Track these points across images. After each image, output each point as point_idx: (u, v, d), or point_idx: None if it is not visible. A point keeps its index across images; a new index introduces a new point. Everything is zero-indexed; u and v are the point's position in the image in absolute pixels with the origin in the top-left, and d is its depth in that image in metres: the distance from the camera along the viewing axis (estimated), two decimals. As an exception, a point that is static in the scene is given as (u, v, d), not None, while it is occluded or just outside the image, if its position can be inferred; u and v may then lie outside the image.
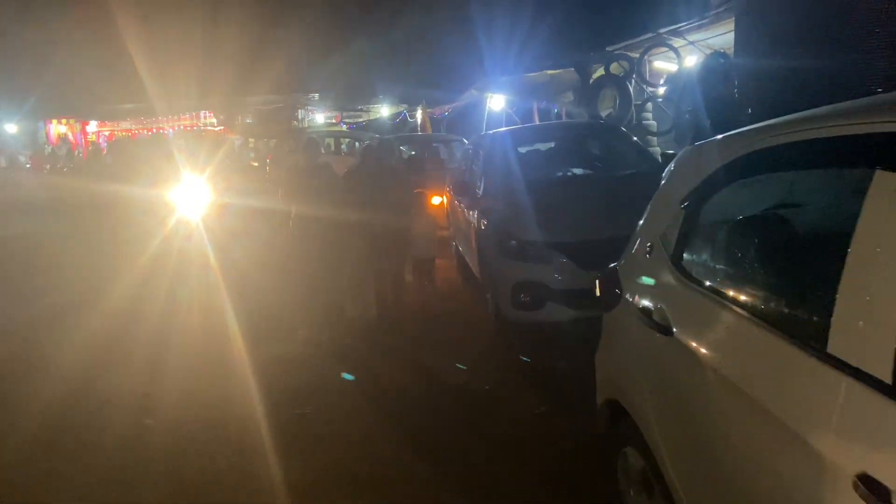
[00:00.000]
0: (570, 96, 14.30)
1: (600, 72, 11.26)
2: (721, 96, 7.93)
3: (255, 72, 20.13)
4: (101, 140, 28.95)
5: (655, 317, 2.06)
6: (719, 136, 2.04)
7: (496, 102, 14.93)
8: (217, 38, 19.78)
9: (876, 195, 1.25)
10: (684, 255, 2.06)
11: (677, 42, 10.13)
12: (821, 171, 1.66)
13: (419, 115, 21.37)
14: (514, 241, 4.87)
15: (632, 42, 10.68)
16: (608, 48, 11.04)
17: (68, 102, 23.70)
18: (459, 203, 6.52)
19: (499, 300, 5.04)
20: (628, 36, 10.71)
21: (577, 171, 5.93)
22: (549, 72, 13.60)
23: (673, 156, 6.24)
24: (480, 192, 5.83)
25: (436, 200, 7.82)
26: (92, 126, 28.23)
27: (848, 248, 1.30)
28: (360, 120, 24.41)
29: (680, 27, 9.83)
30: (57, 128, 28.54)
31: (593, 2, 12.09)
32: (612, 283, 2.51)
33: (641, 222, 2.45)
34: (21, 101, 22.61)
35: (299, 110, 24.08)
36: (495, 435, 3.59)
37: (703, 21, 9.48)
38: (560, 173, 5.90)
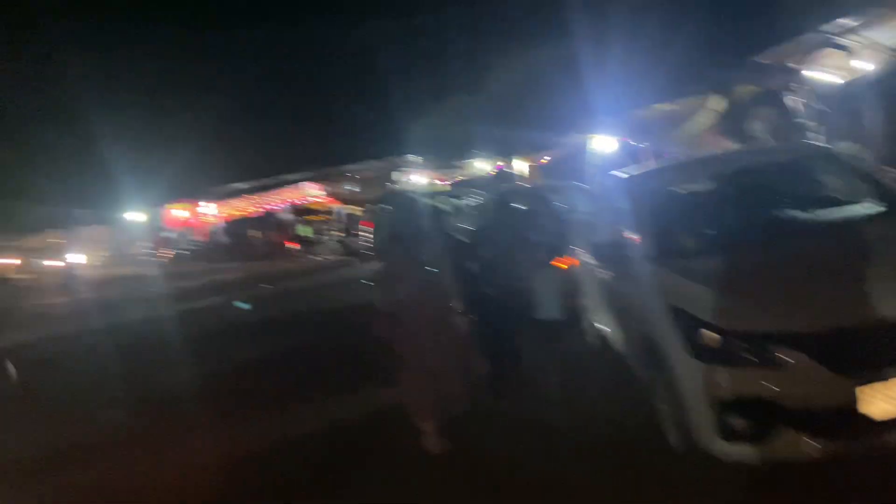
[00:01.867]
0: (697, 127, 12.29)
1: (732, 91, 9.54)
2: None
3: (352, 137, 19.93)
4: (216, 221, 29.96)
5: None
6: None
7: (601, 144, 13.25)
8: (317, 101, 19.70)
9: None
10: None
11: (849, 41, 8.02)
12: None
13: (518, 165, 20.04)
14: (710, 332, 3.12)
15: (784, 46, 8.64)
16: (754, 58, 9.05)
17: (184, 184, 24.06)
18: (604, 270, 4.78)
19: (691, 424, 3.25)
20: (777, 39, 8.64)
21: (792, 215, 3.99)
22: (661, 106, 11.76)
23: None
24: (640, 254, 4.06)
25: (559, 263, 6.14)
26: (205, 207, 29.11)
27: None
28: (459, 178, 23.30)
29: (848, 23, 7.75)
30: (178, 212, 29.59)
31: (720, 6, 9.87)
32: None
33: None
34: (141, 187, 22.83)
35: (396, 172, 23.53)
36: None
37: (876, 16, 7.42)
38: (765, 222, 3.99)
